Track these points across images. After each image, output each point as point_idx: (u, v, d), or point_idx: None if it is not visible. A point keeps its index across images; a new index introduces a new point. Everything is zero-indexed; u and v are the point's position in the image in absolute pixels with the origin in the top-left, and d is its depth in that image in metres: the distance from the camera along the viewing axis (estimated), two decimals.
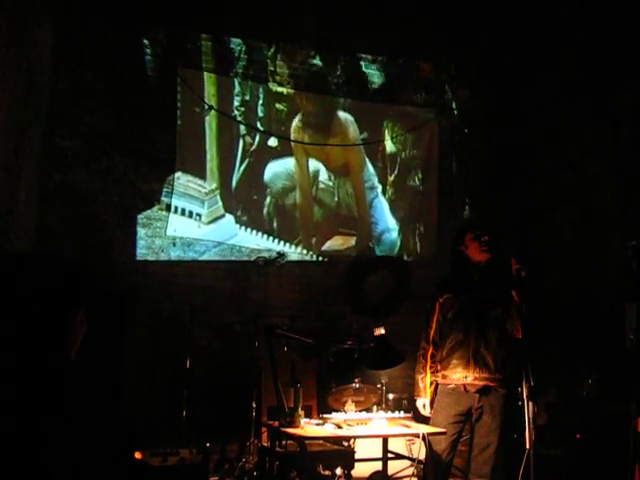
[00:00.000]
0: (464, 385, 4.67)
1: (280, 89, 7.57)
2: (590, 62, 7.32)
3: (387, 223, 7.89)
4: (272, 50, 7.55)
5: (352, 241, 7.72)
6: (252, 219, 7.32)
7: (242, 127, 7.38)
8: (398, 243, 7.89)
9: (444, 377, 4.78)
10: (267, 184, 7.43)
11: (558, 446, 5.18)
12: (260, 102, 7.48)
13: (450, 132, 8.18)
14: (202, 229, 7.13)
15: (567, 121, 7.65)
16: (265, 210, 7.39)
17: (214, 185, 7.24)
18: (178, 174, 7.08)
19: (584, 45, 7.39)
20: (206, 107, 7.23)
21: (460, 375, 4.68)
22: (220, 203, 7.22)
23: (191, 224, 7.09)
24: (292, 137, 7.56)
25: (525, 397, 4.11)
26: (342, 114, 7.81)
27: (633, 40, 6.79)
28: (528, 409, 4.09)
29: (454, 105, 8.22)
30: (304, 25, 7.51)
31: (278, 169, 7.49)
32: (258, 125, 7.45)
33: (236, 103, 7.41)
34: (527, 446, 4.02)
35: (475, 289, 4.72)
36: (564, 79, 7.66)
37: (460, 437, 4.78)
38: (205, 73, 7.31)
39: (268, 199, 7.42)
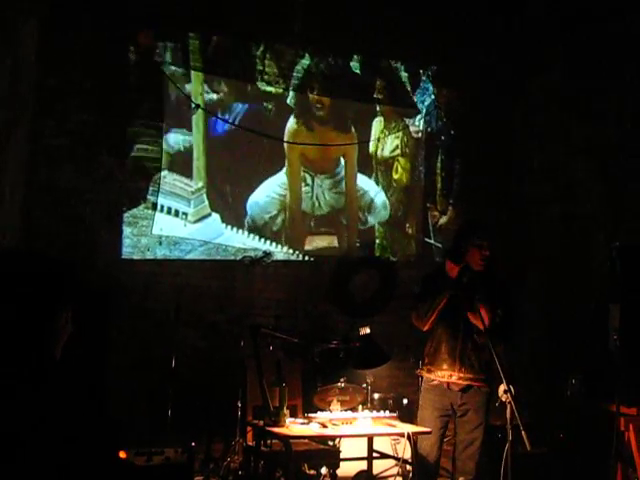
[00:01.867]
0: (448, 383, 4.69)
1: (269, 88, 7.56)
2: (576, 65, 7.36)
3: (374, 222, 7.90)
4: (261, 49, 7.54)
5: (336, 241, 7.73)
6: (238, 218, 7.31)
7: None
8: (384, 243, 7.90)
9: (429, 371, 4.78)
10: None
11: (542, 445, 5.20)
12: (247, 101, 7.48)
13: (437, 132, 8.19)
14: (188, 228, 7.11)
15: (553, 123, 7.69)
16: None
17: (200, 184, 7.23)
18: (164, 173, 7.06)
19: (570, 46, 7.42)
20: (193, 106, 7.21)
21: (445, 373, 4.69)
22: (206, 202, 7.20)
23: (177, 223, 7.07)
24: (287, 137, 7.56)
25: (505, 395, 4.15)
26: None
27: (617, 42, 6.83)
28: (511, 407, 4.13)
29: (440, 105, 8.23)
30: (293, 24, 7.51)
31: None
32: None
33: (224, 102, 7.40)
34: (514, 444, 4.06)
35: (466, 289, 4.67)
36: (550, 81, 7.70)
37: (445, 433, 4.82)
38: (192, 72, 7.29)
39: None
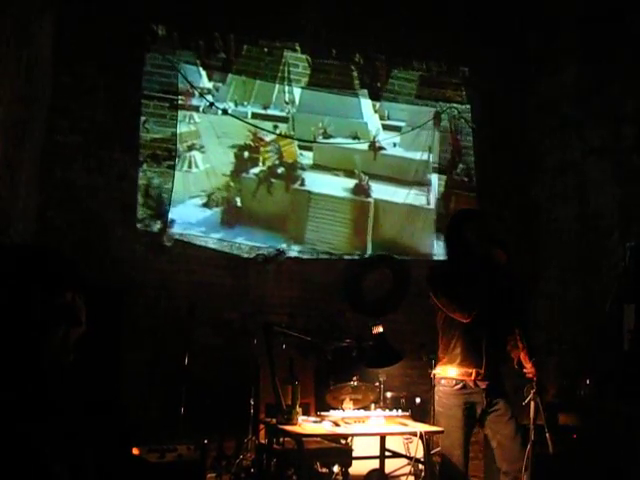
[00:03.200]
0: (474, 381, 4.33)
1: (278, 85, 7.59)
2: (591, 63, 7.33)
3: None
4: (271, 47, 7.56)
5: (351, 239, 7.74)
6: (253, 216, 7.33)
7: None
8: (397, 241, 7.88)
9: (450, 370, 4.40)
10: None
11: (555, 446, 5.18)
12: (255, 98, 7.50)
13: (450, 130, 8.17)
14: (203, 226, 7.13)
15: (567, 121, 7.66)
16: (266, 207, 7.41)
17: (215, 181, 7.25)
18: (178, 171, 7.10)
19: (585, 46, 7.39)
20: (207, 103, 7.24)
21: (472, 370, 4.33)
22: (221, 199, 7.23)
23: (192, 221, 7.09)
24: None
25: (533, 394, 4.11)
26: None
27: (632, 41, 6.80)
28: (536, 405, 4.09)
29: (455, 105, 8.21)
30: (303, 23, 7.53)
31: None
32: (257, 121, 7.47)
33: (235, 99, 7.42)
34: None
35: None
36: (567, 79, 7.67)
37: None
38: (205, 70, 7.32)
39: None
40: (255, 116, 7.51)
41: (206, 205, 7.22)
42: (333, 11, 7.60)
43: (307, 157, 7.70)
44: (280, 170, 7.56)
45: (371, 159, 7.89)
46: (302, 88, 7.73)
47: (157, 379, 6.48)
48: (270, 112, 7.58)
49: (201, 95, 7.24)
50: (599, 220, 7.14)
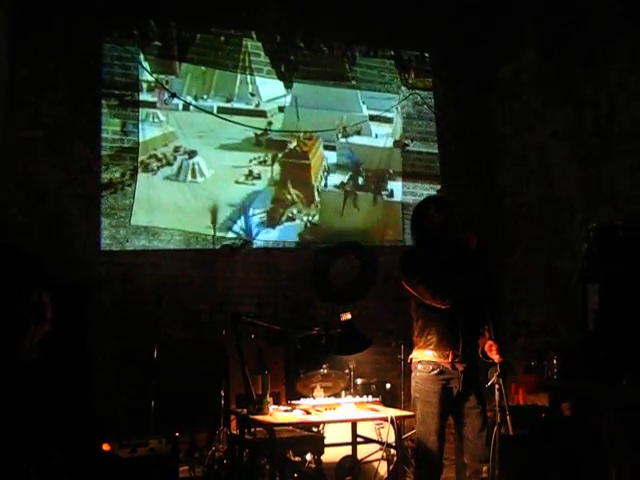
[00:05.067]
0: (451, 363, 4.31)
1: (252, 78, 7.53)
2: (552, 48, 7.40)
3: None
4: (242, 38, 7.51)
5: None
6: (219, 205, 7.30)
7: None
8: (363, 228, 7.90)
9: (427, 354, 4.35)
10: None
11: (523, 426, 5.24)
12: (215, 91, 7.44)
13: (414, 119, 8.20)
14: (167, 218, 7.08)
15: (529, 105, 7.73)
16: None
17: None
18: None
19: (550, 29, 7.45)
20: (168, 95, 7.18)
21: (449, 352, 4.30)
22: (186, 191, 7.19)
23: (156, 212, 7.04)
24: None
25: (497, 378, 4.14)
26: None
27: (591, 27, 6.87)
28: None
29: (417, 92, 8.24)
30: (275, 12, 7.50)
31: None
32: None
33: (193, 92, 7.36)
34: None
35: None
36: (528, 64, 7.73)
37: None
38: (166, 61, 7.24)
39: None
40: (222, 110, 7.41)
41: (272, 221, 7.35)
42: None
43: (331, 157, 7.75)
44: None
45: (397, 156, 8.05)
46: (298, 81, 7.69)
47: (126, 373, 6.44)
48: (236, 105, 7.47)
49: (162, 86, 7.17)
50: (562, 202, 7.23)
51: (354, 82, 7.97)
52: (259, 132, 7.49)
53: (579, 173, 7.03)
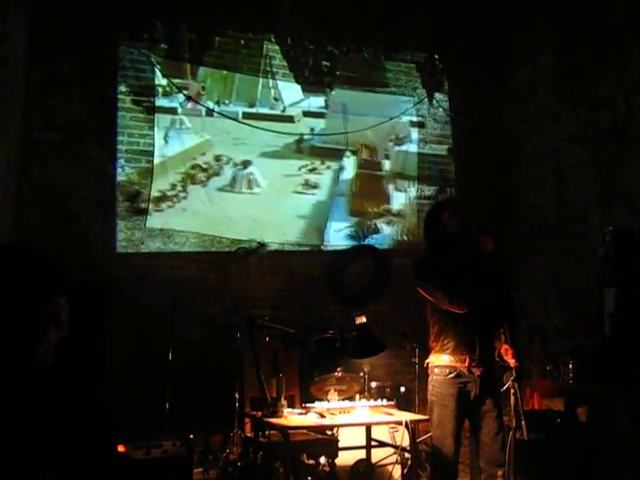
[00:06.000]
0: (468, 368, 4.27)
1: (274, 82, 7.53)
2: (567, 50, 7.36)
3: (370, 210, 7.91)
4: (263, 42, 7.53)
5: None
6: (232, 209, 7.30)
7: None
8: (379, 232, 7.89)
9: (444, 359, 4.32)
10: None
11: (538, 431, 5.22)
12: (236, 92, 7.45)
13: (428, 121, 8.19)
14: (182, 220, 7.09)
15: (544, 108, 7.70)
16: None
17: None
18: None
19: (565, 30, 7.41)
20: (184, 98, 7.19)
21: (466, 357, 4.27)
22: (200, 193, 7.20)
23: (171, 215, 7.05)
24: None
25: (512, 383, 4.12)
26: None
27: (607, 28, 6.83)
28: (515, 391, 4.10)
29: (431, 94, 8.22)
30: (284, 15, 7.49)
31: None
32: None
33: (216, 97, 7.37)
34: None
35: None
36: (543, 66, 7.70)
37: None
38: (182, 64, 7.26)
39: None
40: (247, 116, 7.35)
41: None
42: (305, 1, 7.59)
43: (387, 165, 7.80)
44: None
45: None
46: (338, 87, 7.68)
47: (141, 375, 6.45)
48: (261, 110, 7.42)
49: (178, 89, 7.19)
50: (578, 206, 7.18)
51: (393, 88, 7.99)
52: (299, 138, 7.48)
53: (595, 175, 6.99)
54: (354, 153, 7.69)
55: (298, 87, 7.65)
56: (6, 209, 6.02)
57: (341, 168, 7.63)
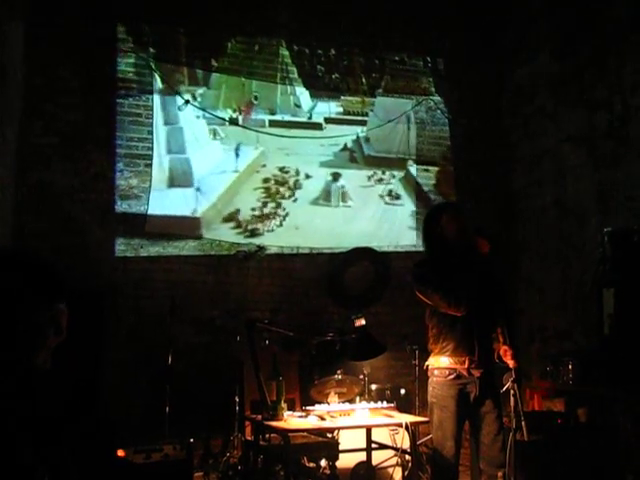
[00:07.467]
0: (467, 369, 4.26)
1: (292, 88, 7.53)
2: (564, 51, 7.37)
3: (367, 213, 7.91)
4: (279, 47, 7.53)
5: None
6: (232, 212, 7.31)
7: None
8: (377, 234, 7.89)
9: (442, 360, 4.32)
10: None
11: (539, 432, 5.22)
12: (237, 96, 7.45)
13: (427, 123, 8.19)
14: (181, 224, 7.09)
15: (542, 109, 7.70)
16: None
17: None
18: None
19: (563, 32, 7.42)
20: (182, 102, 7.20)
21: (465, 358, 4.26)
22: (199, 197, 7.19)
23: (170, 219, 7.05)
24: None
25: (512, 384, 4.11)
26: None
27: (604, 29, 6.84)
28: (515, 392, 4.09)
29: (429, 95, 8.23)
30: (279, 17, 7.50)
31: None
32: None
33: (231, 105, 7.37)
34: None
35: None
36: (541, 67, 7.71)
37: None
38: (180, 67, 7.26)
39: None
40: (274, 124, 7.31)
41: None
42: (305, 5, 7.60)
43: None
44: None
45: None
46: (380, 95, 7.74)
47: (141, 379, 6.45)
48: (286, 117, 7.38)
49: (177, 93, 7.19)
50: (577, 206, 7.19)
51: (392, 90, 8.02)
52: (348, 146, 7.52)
53: (593, 176, 6.99)
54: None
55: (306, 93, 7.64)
56: (5, 214, 6.02)
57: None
